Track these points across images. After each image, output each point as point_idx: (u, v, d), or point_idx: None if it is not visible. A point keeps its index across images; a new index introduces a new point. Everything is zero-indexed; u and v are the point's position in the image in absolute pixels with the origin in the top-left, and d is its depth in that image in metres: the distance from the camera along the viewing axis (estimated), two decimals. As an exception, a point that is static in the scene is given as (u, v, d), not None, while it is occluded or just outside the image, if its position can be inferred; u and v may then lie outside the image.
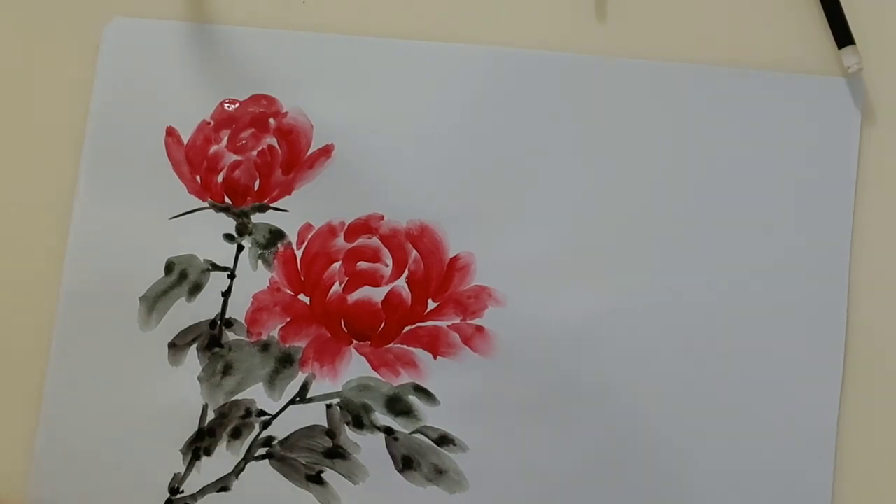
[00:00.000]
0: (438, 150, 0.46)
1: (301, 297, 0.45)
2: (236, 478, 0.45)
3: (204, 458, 0.45)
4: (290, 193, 0.46)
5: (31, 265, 0.47)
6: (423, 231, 0.45)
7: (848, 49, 0.44)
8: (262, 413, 0.45)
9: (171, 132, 0.47)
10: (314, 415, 0.45)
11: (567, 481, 0.43)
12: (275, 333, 0.45)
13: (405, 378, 0.45)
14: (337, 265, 0.46)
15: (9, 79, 0.49)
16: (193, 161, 0.47)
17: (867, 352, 0.43)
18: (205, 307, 0.46)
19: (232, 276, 0.46)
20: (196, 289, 0.46)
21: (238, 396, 0.45)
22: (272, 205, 0.46)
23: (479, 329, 0.45)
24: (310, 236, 0.46)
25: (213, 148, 0.47)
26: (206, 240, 0.46)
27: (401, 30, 0.47)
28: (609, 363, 0.44)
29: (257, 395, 0.45)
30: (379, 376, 0.45)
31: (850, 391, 0.43)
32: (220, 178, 0.47)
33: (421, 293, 0.45)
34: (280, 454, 0.45)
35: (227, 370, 0.45)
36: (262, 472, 0.45)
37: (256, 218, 0.46)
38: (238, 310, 0.46)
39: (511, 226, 0.45)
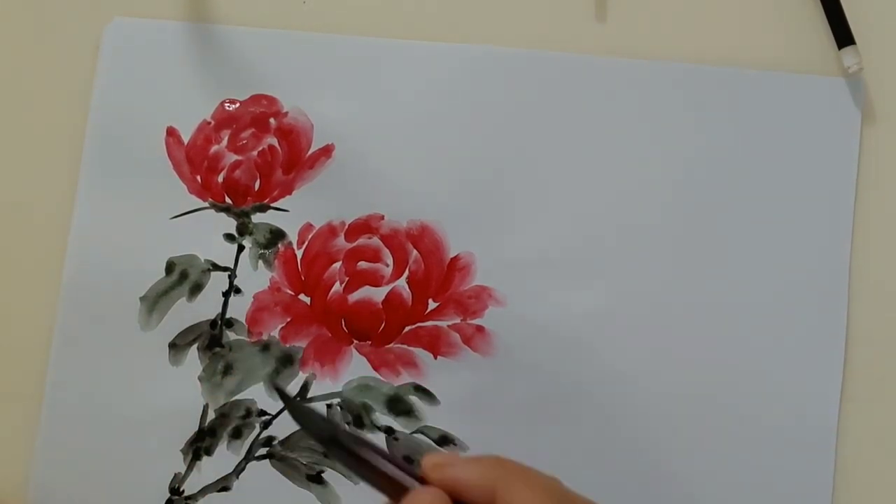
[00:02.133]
0: (438, 150, 0.46)
1: (301, 296, 0.45)
2: (237, 478, 0.45)
3: (204, 458, 0.45)
4: (290, 193, 0.46)
5: (31, 265, 0.47)
6: (424, 231, 0.45)
7: (848, 49, 0.44)
8: (262, 413, 0.45)
9: (171, 132, 0.47)
10: (315, 415, 0.45)
11: (567, 481, 0.43)
12: (275, 333, 0.45)
13: (406, 378, 0.45)
14: (337, 265, 0.46)
15: (9, 78, 0.49)
16: (194, 161, 0.47)
17: (867, 352, 0.43)
18: (205, 307, 0.46)
19: (232, 276, 0.46)
20: (196, 289, 0.46)
21: (239, 396, 0.45)
22: (273, 205, 0.46)
23: (480, 329, 0.45)
24: (310, 236, 0.46)
25: (214, 148, 0.47)
26: (206, 240, 0.46)
27: (401, 30, 0.47)
28: (609, 363, 0.44)
29: (258, 395, 0.45)
30: (379, 376, 0.45)
31: (850, 391, 0.43)
32: (220, 178, 0.47)
33: (421, 293, 0.45)
34: (281, 454, 0.45)
35: (227, 370, 0.45)
36: (262, 472, 0.45)
37: (257, 218, 0.46)
38: (239, 310, 0.46)
39: (511, 226, 0.45)
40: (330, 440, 0.31)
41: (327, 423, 0.34)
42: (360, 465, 0.31)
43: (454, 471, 0.31)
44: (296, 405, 0.35)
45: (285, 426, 0.45)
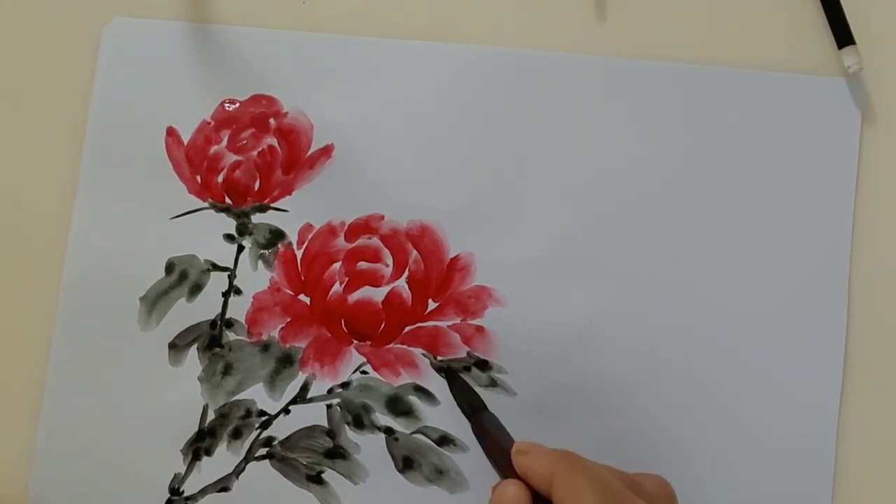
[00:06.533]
0: (438, 150, 0.46)
1: (301, 297, 0.45)
2: (237, 478, 0.45)
3: (204, 459, 0.45)
4: (290, 193, 0.46)
5: (31, 265, 0.47)
6: (424, 231, 0.45)
7: (848, 49, 0.44)
8: (262, 413, 0.45)
9: (171, 132, 0.47)
10: (314, 415, 0.45)
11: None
12: (275, 333, 0.45)
13: (405, 378, 0.45)
14: (337, 265, 0.46)
15: (9, 78, 0.49)
16: (194, 161, 0.47)
17: (867, 351, 0.43)
18: (205, 307, 0.46)
19: (232, 277, 0.46)
20: (196, 289, 0.46)
21: (238, 397, 0.45)
22: (272, 205, 0.46)
23: (480, 329, 0.45)
24: (310, 236, 0.46)
25: (214, 148, 0.47)
26: (206, 240, 0.46)
27: (401, 30, 0.47)
28: (609, 363, 0.44)
29: (258, 395, 0.45)
30: (379, 376, 0.45)
31: (850, 391, 0.43)
32: (220, 179, 0.47)
33: (421, 293, 0.45)
34: (280, 454, 0.45)
35: (227, 370, 0.45)
36: (262, 473, 0.45)
37: (257, 218, 0.46)
38: (238, 310, 0.46)
39: (511, 226, 0.45)
40: (473, 415, 0.40)
41: (478, 399, 0.41)
42: (486, 442, 0.39)
43: (526, 459, 0.36)
44: (457, 377, 0.42)
45: (285, 426, 0.45)
